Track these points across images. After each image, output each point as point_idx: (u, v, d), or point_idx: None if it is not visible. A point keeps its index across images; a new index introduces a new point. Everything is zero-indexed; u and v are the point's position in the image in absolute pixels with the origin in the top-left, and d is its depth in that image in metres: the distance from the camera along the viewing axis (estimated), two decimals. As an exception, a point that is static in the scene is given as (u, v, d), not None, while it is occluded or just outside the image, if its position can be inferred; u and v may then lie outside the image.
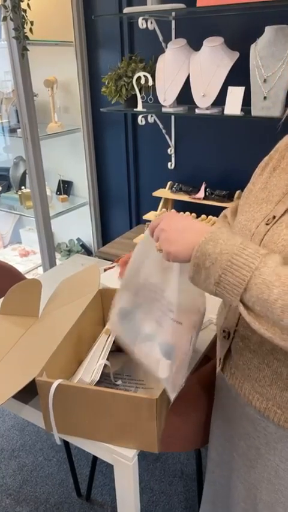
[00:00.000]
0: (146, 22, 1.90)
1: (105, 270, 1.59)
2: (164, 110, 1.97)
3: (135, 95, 1.97)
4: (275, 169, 0.88)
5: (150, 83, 1.93)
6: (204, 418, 1.16)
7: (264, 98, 1.64)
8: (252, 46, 1.64)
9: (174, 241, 0.75)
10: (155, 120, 2.15)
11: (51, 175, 2.63)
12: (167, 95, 1.91)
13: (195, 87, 1.82)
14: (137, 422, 0.89)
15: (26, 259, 2.96)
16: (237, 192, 2.01)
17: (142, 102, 1.99)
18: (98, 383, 0.98)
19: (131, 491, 0.98)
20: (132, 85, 1.95)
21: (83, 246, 2.83)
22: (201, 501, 1.21)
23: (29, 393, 0.97)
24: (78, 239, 2.85)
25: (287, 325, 0.64)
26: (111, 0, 2.10)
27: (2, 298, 1.27)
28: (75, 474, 1.72)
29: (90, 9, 2.19)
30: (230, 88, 1.74)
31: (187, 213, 2.15)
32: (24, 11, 1.91)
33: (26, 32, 1.94)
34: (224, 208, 2.01)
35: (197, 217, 2.13)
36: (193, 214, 2.13)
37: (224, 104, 1.77)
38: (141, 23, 1.87)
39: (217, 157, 2.15)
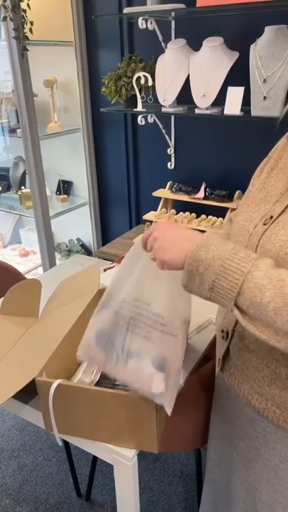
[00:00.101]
0: (146, 22, 1.90)
1: (105, 270, 1.59)
2: (163, 110, 1.97)
3: (135, 95, 1.97)
4: (273, 170, 0.88)
5: (150, 83, 1.93)
6: (204, 418, 1.16)
7: (264, 97, 1.64)
8: (252, 46, 1.64)
9: (168, 249, 0.76)
10: (154, 120, 2.15)
11: (51, 175, 2.63)
12: (167, 95, 1.91)
13: (195, 87, 1.82)
14: (137, 423, 0.89)
15: (25, 259, 2.96)
16: (237, 192, 2.01)
17: (142, 102, 1.99)
18: (98, 383, 0.98)
19: (130, 491, 0.98)
20: (132, 85, 1.95)
21: (83, 246, 2.83)
22: (200, 501, 1.21)
23: (28, 393, 0.97)
24: (78, 239, 2.85)
25: (281, 327, 0.65)
26: (111, 0, 2.10)
27: (2, 298, 1.27)
28: (75, 474, 1.72)
29: (90, 9, 2.19)
30: (229, 88, 1.74)
31: (187, 212, 2.15)
32: (24, 11, 1.91)
33: (25, 32, 1.94)
34: (224, 208, 2.02)
35: (197, 218, 2.13)
36: (193, 214, 2.13)
37: (223, 104, 1.77)
38: (141, 23, 1.87)
39: (217, 158, 2.15)
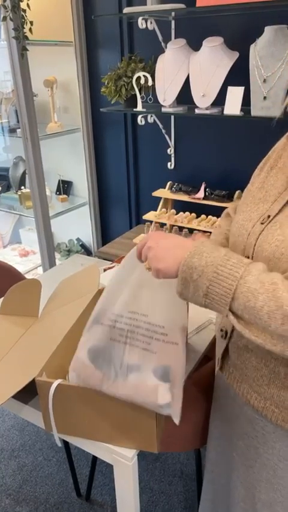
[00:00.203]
0: (146, 22, 1.90)
1: (104, 270, 1.59)
2: (163, 110, 1.97)
3: (135, 95, 1.97)
4: (272, 169, 0.88)
5: (150, 83, 1.93)
6: (204, 418, 1.16)
7: (264, 97, 1.64)
8: (252, 46, 1.64)
9: (162, 258, 0.76)
10: (154, 120, 2.15)
11: (51, 176, 2.63)
12: (167, 95, 1.91)
13: (195, 87, 1.82)
14: (137, 422, 0.89)
15: (25, 259, 2.96)
16: (237, 192, 2.01)
17: (142, 102, 1.99)
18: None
19: (130, 491, 0.98)
20: (132, 85, 1.95)
21: (83, 246, 2.83)
22: (200, 498, 1.21)
23: (28, 393, 0.97)
24: (78, 239, 2.85)
25: (275, 330, 0.65)
26: (111, 0, 2.10)
27: (2, 298, 1.27)
28: (75, 474, 1.72)
29: (90, 9, 2.19)
30: (229, 88, 1.74)
31: (187, 212, 2.15)
32: (24, 11, 1.91)
33: (25, 32, 1.94)
34: (224, 208, 2.01)
35: (197, 218, 2.13)
36: (193, 214, 2.13)
37: (223, 104, 1.77)
38: (140, 23, 1.87)
39: (217, 157, 2.15)
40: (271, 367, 0.82)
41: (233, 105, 1.74)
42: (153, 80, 1.94)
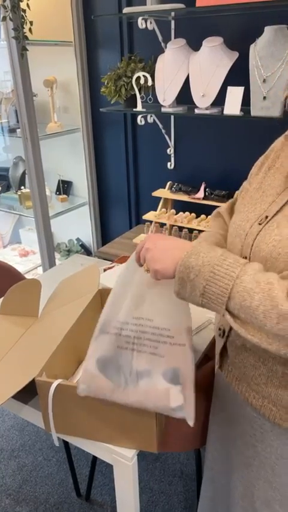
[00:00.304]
0: (146, 22, 1.90)
1: (104, 270, 1.59)
2: (163, 109, 1.97)
3: (135, 95, 1.97)
4: (270, 169, 0.88)
5: (150, 83, 1.93)
6: (204, 418, 1.16)
7: (264, 97, 1.64)
8: (252, 46, 1.64)
9: (159, 259, 0.77)
10: (154, 120, 2.15)
11: (51, 175, 2.63)
12: (167, 94, 1.91)
13: (195, 87, 1.82)
14: (137, 423, 0.89)
15: (25, 259, 2.96)
16: (237, 192, 2.00)
17: (141, 102, 1.99)
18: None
19: (130, 491, 0.98)
20: (132, 85, 1.95)
21: (83, 246, 2.83)
22: (199, 497, 1.21)
23: (28, 393, 0.97)
24: (78, 239, 2.85)
25: (270, 329, 0.66)
26: (111, 0, 2.10)
27: (2, 298, 1.27)
28: (75, 474, 1.72)
29: (90, 9, 2.19)
30: (229, 88, 1.74)
31: (187, 212, 2.15)
32: (24, 11, 1.91)
33: (25, 32, 1.94)
34: (224, 208, 2.01)
35: (197, 218, 2.13)
36: (192, 214, 2.13)
37: (223, 104, 1.77)
38: (140, 23, 1.87)
39: (217, 157, 2.15)
40: (269, 365, 0.83)
41: (232, 105, 1.74)
42: (153, 80, 1.94)
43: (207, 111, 1.84)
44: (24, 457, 1.88)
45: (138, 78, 1.93)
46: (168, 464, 1.82)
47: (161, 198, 2.23)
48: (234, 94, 1.73)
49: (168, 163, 2.30)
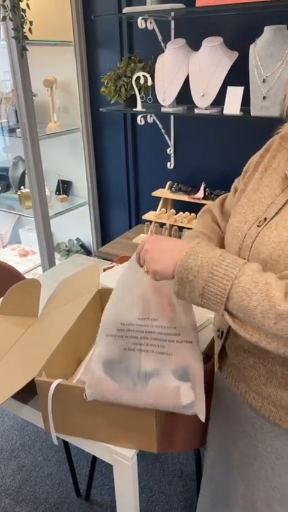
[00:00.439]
0: (145, 22, 1.90)
1: (104, 270, 1.59)
2: (163, 109, 1.97)
3: (135, 94, 1.97)
4: (267, 170, 0.88)
5: (150, 82, 1.93)
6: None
7: (264, 97, 1.64)
8: (252, 46, 1.64)
9: (158, 259, 0.78)
10: (154, 120, 2.15)
11: (51, 175, 2.63)
12: (166, 94, 1.91)
13: (195, 87, 1.82)
14: (136, 422, 0.89)
15: (25, 259, 2.96)
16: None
17: (141, 102, 1.99)
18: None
19: (130, 491, 0.98)
20: (132, 85, 1.95)
21: (82, 246, 2.83)
22: (199, 497, 1.21)
23: (28, 393, 0.97)
24: (78, 239, 2.85)
25: (268, 329, 0.66)
26: (111, 0, 2.10)
27: (2, 298, 1.27)
28: (75, 474, 1.72)
29: (90, 9, 2.19)
30: (229, 88, 1.74)
31: (186, 212, 2.15)
32: (24, 10, 1.91)
33: (25, 32, 1.94)
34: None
35: (196, 217, 2.13)
36: (192, 214, 2.13)
37: (223, 104, 1.77)
38: (140, 23, 1.87)
39: (216, 157, 2.15)
40: (268, 366, 0.83)
41: (232, 105, 1.74)
42: (153, 79, 1.94)
43: (207, 111, 1.84)
44: (24, 457, 1.88)
45: (138, 78, 1.93)
46: (167, 464, 1.82)
47: (160, 198, 2.23)
48: (234, 94, 1.73)
49: (168, 163, 2.30)
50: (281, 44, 1.56)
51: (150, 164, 2.39)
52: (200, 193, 2.06)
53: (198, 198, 2.06)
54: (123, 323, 0.86)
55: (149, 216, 2.22)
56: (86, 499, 1.69)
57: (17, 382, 0.93)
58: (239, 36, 1.82)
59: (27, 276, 2.36)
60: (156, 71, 1.94)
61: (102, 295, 1.24)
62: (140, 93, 1.97)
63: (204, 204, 2.03)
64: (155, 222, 2.20)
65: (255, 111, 1.69)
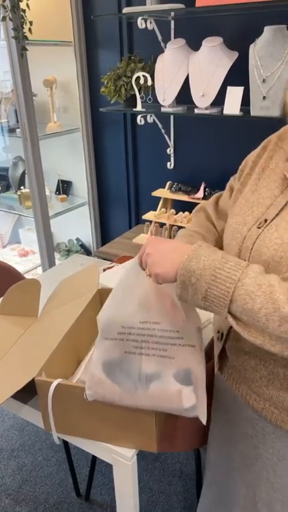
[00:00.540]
0: (145, 22, 1.90)
1: (104, 270, 1.59)
2: (163, 109, 1.97)
3: (135, 94, 1.97)
4: (264, 171, 0.87)
5: (150, 82, 1.93)
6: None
7: (264, 97, 1.64)
8: (251, 46, 1.64)
9: (159, 262, 0.77)
10: (154, 120, 2.15)
11: (51, 175, 2.63)
12: (166, 94, 1.91)
13: (195, 87, 1.82)
14: (136, 422, 0.89)
15: (25, 259, 2.96)
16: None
17: (141, 102, 1.99)
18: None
19: (130, 490, 0.98)
20: (132, 85, 1.95)
21: (82, 246, 2.83)
22: (199, 498, 1.21)
23: (28, 393, 0.97)
24: (78, 239, 2.85)
25: (273, 332, 0.66)
26: (111, 0, 2.10)
27: (1, 298, 1.27)
28: (75, 474, 1.72)
29: (90, 9, 2.19)
30: (229, 88, 1.74)
31: (186, 212, 2.15)
32: (24, 11, 1.91)
33: (25, 32, 1.94)
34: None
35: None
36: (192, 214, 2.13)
37: (223, 104, 1.77)
38: (140, 23, 1.87)
39: (216, 157, 2.15)
40: (270, 368, 0.82)
41: (232, 105, 1.74)
42: (153, 79, 1.94)
43: (207, 111, 1.84)
44: (23, 457, 1.88)
45: (138, 78, 1.93)
46: (167, 464, 1.82)
47: (160, 198, 2.23)
48: (234, 94, 1.73)
49: (168, 163, 2.30)
50: (280, 44, 1.56)
51: (150, 164, 2.39)
52: (200, 193, 2.06)
53: (198, 198, 2.06)
54: (124, 326, 0.85)
55: (149, 216, 2.22)
56: (86, 499, 1.69)
57: (17, 382, 0.93)
58: (239, 36, 1.82)
59: (27, 276, 2.36)
60: (156, 71, 1.94)
61: (102, 295, 1.24)
62: (140, 93, 1.97)
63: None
64: (155, 222, 2.20)
65: (255, 111, 1.69)
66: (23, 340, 1.14)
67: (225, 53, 1.75)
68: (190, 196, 2.10)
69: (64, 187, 2.69)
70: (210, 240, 1.00)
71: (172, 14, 1.92)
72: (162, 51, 1.95)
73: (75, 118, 2.46)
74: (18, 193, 2.58)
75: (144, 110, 2.00)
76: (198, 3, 1.65)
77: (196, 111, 1.88)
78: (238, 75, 1.70)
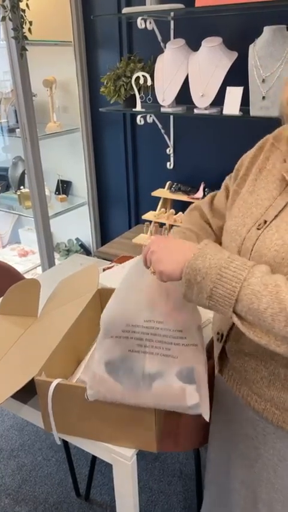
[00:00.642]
0: (145, 22, 1.90)
1: (104, 270, 1.59)
2: (162, 109, 1.97)
3: (134, 94, 1.97)
4: (261, 171, 0.87)
5: (149, 83, 1.93)
6: (204, 418, 1.16)
7: (263, 97, 1.64)
8: (251, 46, 1.64)
9: (165, 260, 0.77)
10: (153, 120, 2.15)
11: (50, 175, 2.63)
12: (166, 95, 1.91)
13: (194, 87, 1.82)
14: (136, 422, 0.89)
15: (25, 259, 2.96)
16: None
17: (141, 102, 1.99)
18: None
19: (130, 490, 0.98)
20: (131, 85, 1.95)
21: (82, 245, 2.83)
22: (200, 501, 1.21)
23: (28, 393, 0.97)
24: (77, 239, 2.85)
25: (279, 332, 0.66)
26: (110, 0, 2.10)
27: (1, 298, 1.27)
28: (74, 474, 1.72)
29: (89, 9, 2.19)
30: (228, 88, 1.74)
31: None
32: (23, 11, 1.91)
33: (24, 32, 1.94)
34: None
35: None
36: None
37: (222, 104, 1.77)
38: (140, 23, 1.87)
39: (216, 157, 2.15)
40: (271, 369, 0.82)
41: (232, 105, 1.74)
42: (152, 80, 1.94)
43: (207, 111, 1.84)
44: (23, 456, 1.88)
45: (138, 78, 1.93)
46: (167, 464, 1.83)
47: (160, 197, 2.23)
48: (234, 94, 1.73)
49: (168, 163, 2.30)
50: (280, 44, 1.56)
51: (149, 164, 2.39)
52: (200, 193, 2.07)
53: (198, 198, 2.06)
54: (128, 324, 0.85)
55: (148, 216, 2.22)
56: (86, 499, 1.69)
57: (17, 381, 0.93)
58: (239, 36, 1.82)
59: (27, 276, 2.36)
60: (155, 71, 1.94)
61: (102, 295, 1.24)
62: (139, 93, 1.97)
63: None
64: (155, 222, 2.20)
65: (254, 111, 1.69)
66: (23, 340, 1.14)
67: (225, 53, 1.75)
68: (190, 196, 2.10)
69: (64, 187, 2.69)
70: (203, 238, 0.99)
71: (172, 14, 1.92)
72: (162, 51, 1.95)
73: (74, 118, 2.46)
74: (18, 193, 2.58)
75: (143, 110, 2.00)
76: (197, 3, 1.65)
77: (196, 111, 1.88)
78: (237, 75, 1.71)
